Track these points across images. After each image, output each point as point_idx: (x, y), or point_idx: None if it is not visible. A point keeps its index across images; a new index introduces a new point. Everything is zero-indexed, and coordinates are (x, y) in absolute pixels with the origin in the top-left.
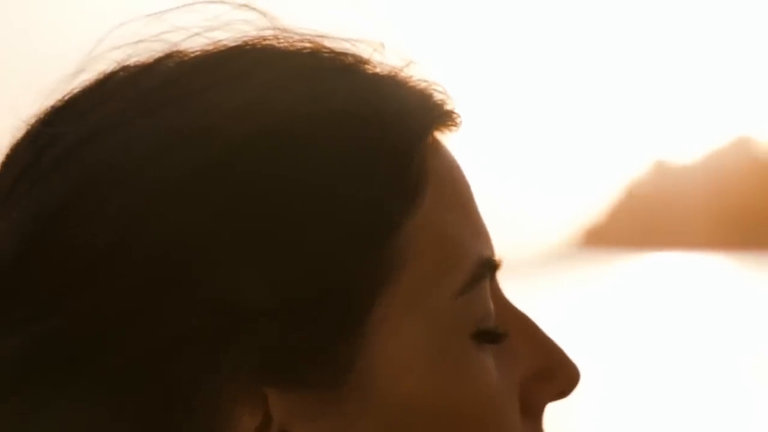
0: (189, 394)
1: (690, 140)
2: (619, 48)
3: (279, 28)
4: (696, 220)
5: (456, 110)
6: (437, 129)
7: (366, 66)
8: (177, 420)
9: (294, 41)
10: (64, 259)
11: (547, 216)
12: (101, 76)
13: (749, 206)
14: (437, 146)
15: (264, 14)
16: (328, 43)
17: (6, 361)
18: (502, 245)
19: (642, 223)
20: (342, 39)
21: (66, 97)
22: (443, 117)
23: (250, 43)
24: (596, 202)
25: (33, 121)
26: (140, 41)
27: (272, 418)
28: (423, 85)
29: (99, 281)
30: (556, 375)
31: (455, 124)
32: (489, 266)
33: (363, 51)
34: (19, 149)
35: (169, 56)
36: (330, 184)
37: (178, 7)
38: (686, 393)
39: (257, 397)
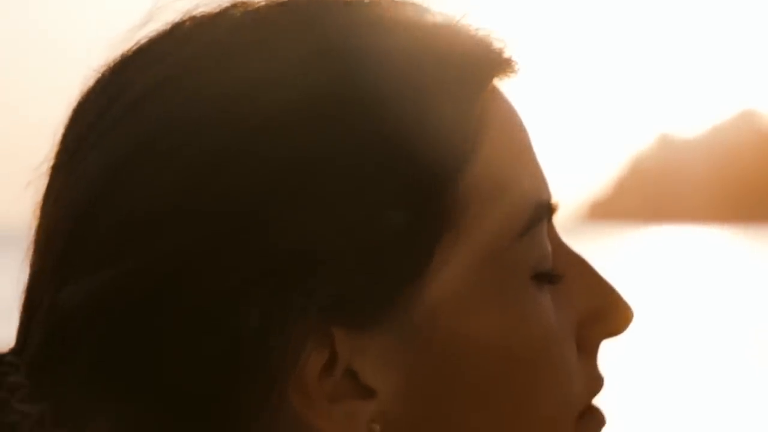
0: (259, 334)
1: (694, 114)
2: (624, 22)
3: None
4: (700, 194)
5: (514, 58)
6: (496, 76)
7: (426, 15)
8: (247, 359)
9: None
10: (135, 206)
11: (551, 189)
12: (168, 26)
13: (753, 179)
14: (496, 93)
15: None
16: None
17: (78, 307)
18: None
19: (646, 197)
20: None
21: (134, 47)
22: (502, 64)
23: None
24: (601, 176)
25: (103, 70)
26: None
27: (338, 357)
28: (481, 33)
29: (170, 228)
30: (610, 315)
31: (514, 71)
32: (547, 209)
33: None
34: (89, 99)
35: (235, 5)
36: (394, 131)
37: None
38: (690, 365)
39: (324, 336)
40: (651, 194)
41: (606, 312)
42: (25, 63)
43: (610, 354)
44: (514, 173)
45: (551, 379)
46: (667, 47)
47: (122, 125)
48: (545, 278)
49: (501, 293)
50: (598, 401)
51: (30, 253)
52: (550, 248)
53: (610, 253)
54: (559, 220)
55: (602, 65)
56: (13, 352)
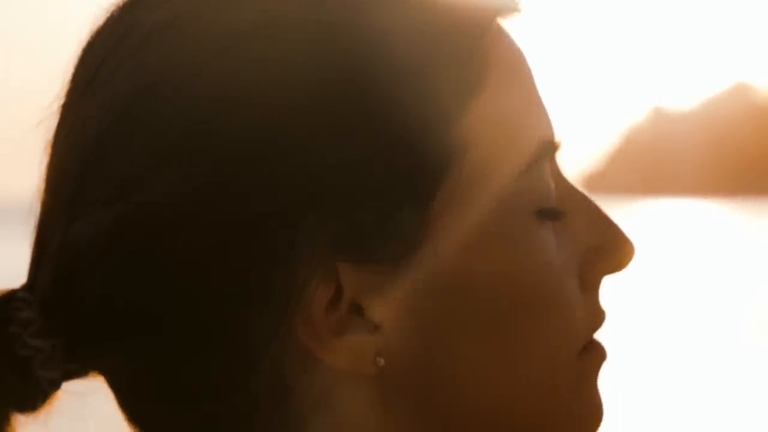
0: (267, 268)
1: (688, 87)
2: None
3: None
4: (694, 167)
5: None
6: (500, 16)
7: None
8: (255, 293)
9: None
10: (145, 142)
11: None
12: None
13: (747, 153)
14: (500, 32)
15: None
16: None
17: (90, 242)
18: None
19: (640, 170)
20: None
21: None
22: (506, 4)
23: None
24: (594, 149)
25: (112, 9)
26: None
27: (344, 292)
28: None
29: (179, 163)
30: (612, 251)
31: (517, 10)
32: (550, 147)
33: None
34: (98, 37)
35: None
36: (398, 69)
37: None
38: (685, 338)
39: (330, 271)
40: (645, 167)
41: (608, 249)
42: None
43: (605, 330)
44: (518, 110)
45: (554, 313)
46: (660, 20)
47: (132, 62)
48: (548, 215)
49: (504, 229)
50: (598, 336)
51: (41, 189)
52: (553, 185)
53: None
54: None
55: (595, 38)
56: (24, 288)
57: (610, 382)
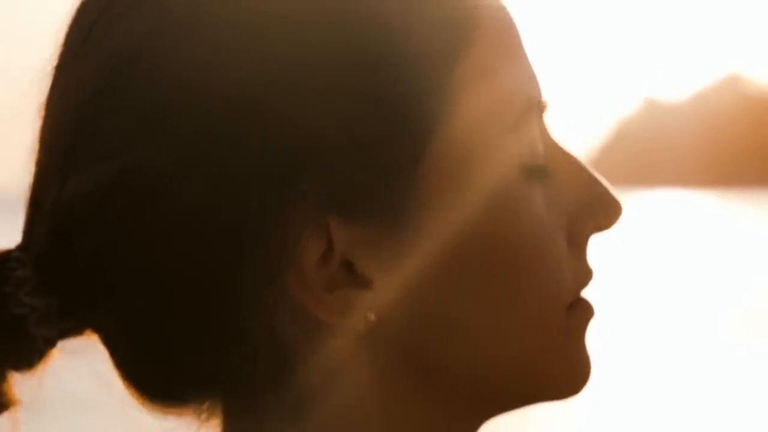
0: (258, 224)
1: (680, 78)
2: None
3: None
4: (686, 158)
5: None
6: None
7: None
8: (247, 249)
9: None
10: (138, 101)
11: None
12: None
13: (740, 144)
14: None
15: None
16: None
17: (83, 201)
18: None
19: (631, 162)
20: None
21: None
22: None
23: None
24: (586, 141)
25: None
26: None
27: (335, 247)
28: None
29: (172, 120)
30: (600, 209)
31: None
32: (538, 106)
33: None
34: None
35: None
36: (388, 28)
37: None
38: (676, 327)
39: (321, 227)
40: (637, 159)
41: (595, 206)
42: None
43: (595, 320)
44: (506, 70)
45: (541, 270)
46: (652, 11)
47: (125, 22)
48: (536, 173)
49: (492, 186)
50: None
51: (35, 149)
52: (540, 145)
53: None
54: None
55: (587, 29)
56: (19, 248)
57: (605, 376)
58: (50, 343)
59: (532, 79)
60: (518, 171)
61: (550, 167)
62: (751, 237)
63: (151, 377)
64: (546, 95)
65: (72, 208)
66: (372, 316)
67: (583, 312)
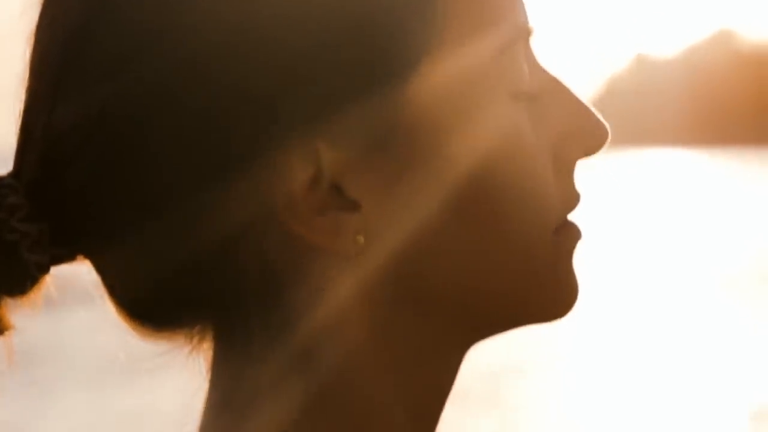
0: (247, 148)
1: (671, 34)
2: None
3: None
4: (677, 116)
5: None
6: None
7: None
8: (236, 172)
9: None
10: (129, 26)
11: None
12: None
13: (731, 101)
14: None
15: None
16: None
17: (74, 126)
18: None
19: (622, 119)
20: None
21: None
22: None
23: None
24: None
25: None
26: None
27: (323, 171)
28: None
29: (161, 45)
30: (586, 134)
31: None
32: (524, 31)
33: None
34: None
35: None
36: None
37: None
38: (666, 285)
39: (310, 151)
40: (627, 116)
41: (582, 131)
42: None
43: (585, 279)
44: None
45: (528, 193)
46: None
47: None
48: (522, 96)
49: (479, 109)
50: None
51: (25, 76)
52: (527, 69)
53: (585, 178)
54: None
55: None
56: (11, 174)
57: (598, 334)
58: (43, 269)
59: (518, 4)
60: (505, 94)
61: (537, 92)
62: (745, 196)
63: (143, 301)
64: (533, 23)
65: (62, 134)
66: (361, 239)
67: (570, 235)
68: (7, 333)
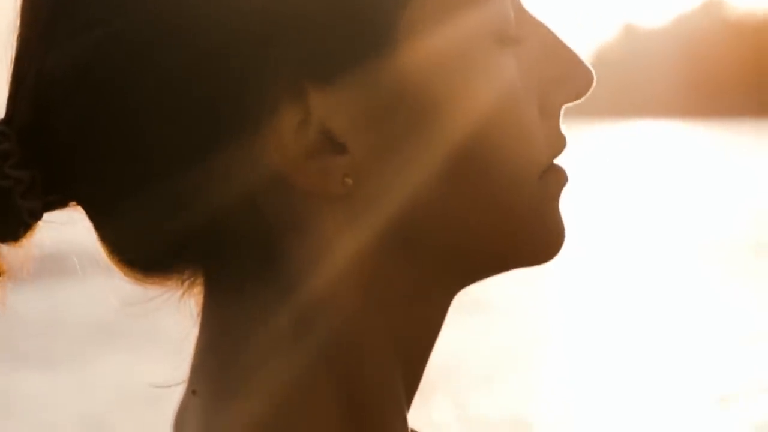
0: (236, 91)
1: (659, 3)
2: None
3: None
4: (666, 86)
5: None
6: None
7: None
8: (224, 115)
9: None
10: None
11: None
12: None
13: (720, 71)
14: None
15: None
16: None
17: (65, 72)
18: None
19: (611, 90)
20: None
21: None
22: None
23: None
24: None
25: None
26: None
27: (312, 114)
28: None
29: None
30: (572, 78)
31: None
32: None
33: None
34: None
35: None
36: None
37: None
38: (654, 256)
39: (299, 94)
40: (616, 87)
41: (567, 76)
42: None
43: (574, 251)
44: None
45: (514, 135)
46: None
47: None
48: (508, 42)
49: (465, 53)
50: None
51: (17, 23)
52: (512, 13)
53: (573, 149)
54: None
55: None
56: (3, 122)
57: (588, 309)
58: (36, 216)
59: None
60: (490, 38)
61: (522, 37)
62: (736, 167)
63: (134, 246)
64: None
65: (54, 80)
66: (349, 181)
67: (556, 178)
68: (1, 278)
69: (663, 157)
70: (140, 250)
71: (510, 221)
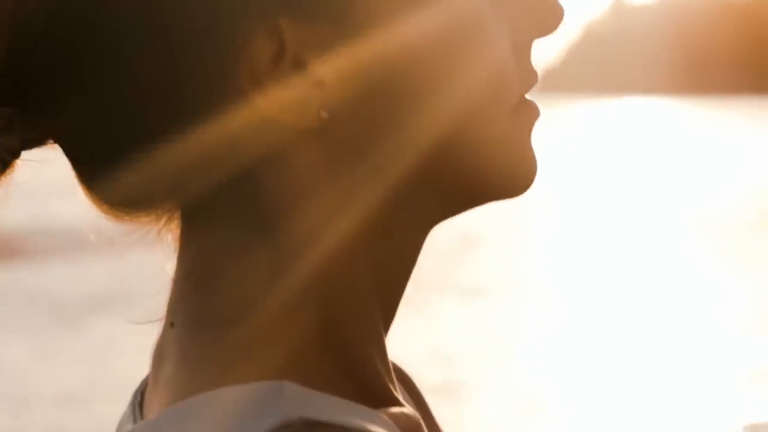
0: (209, 24)
1: None
2: None
3: None
4: (656, 63)
5: None
6: None
7: None
8: (199, 46)
9: None
10: None
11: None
12: None
13: (710, 48)
14: None
15: None
16: None
17: (32, 15)
18: None
19: (600, 67)
20: None
21: None
22: None
23: None
24: (552, 45)
25: None
26: None
27: (286, 47)
28: None
29: None
30: (542, 13)
31: None
32: None
33: None
34: None
35: None
36: None
37: None
38: (640, 234)
39: (273, 26)
40: (605, 63)
41: (538, 11)
42: None
43: (560, 225)
44: None
45: (487, 68)
46: None
47: None
48: None
49: None
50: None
51: None
52: None
53: (562, 125)
54: None
55: None
56: None
57: (577, 282)
58: (14, 153)
59: None
60: None
61: None
62: (721, 144)
63: (111, 182)
64: None
65: (29, 17)
66: (324, 114)
67: (528, 111)
68: None
69: (652, 133)
70: (116, 186)
71: (482, 154)
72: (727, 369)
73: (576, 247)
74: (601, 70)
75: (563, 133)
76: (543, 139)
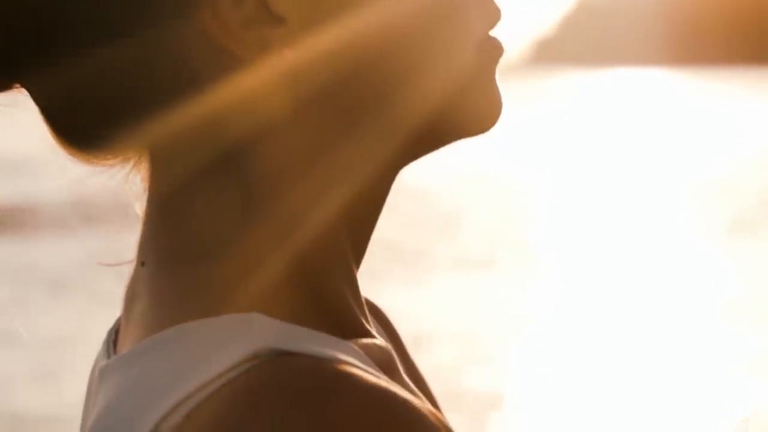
0: None
1: None
2: None
3: None
4: (649, 34)
5: None
6: None
7: None
8: None
9: None
10: None
11: (494, 30)
12: None
13: (704, 19)
14: None
15: None
16: None
17: None
18: None
19: (593, 38)
20: None
21: None
22: None
23: None
24: (546, 15)
25: None
26: None
27: None
28: None
29: None
30: None
31: None
32: None
33: None
34: None
35: None
36: None
37: None
38: (642, 208)
39: None
40: (598, 34)
41: None
42: None
43: (554, 198)
44: None
45: (448, 6)
46: None
47: None
48: None
49: None
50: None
51: None
52: None
53: (556, 97)
54: (502, 63)
55: None
56: None
57: (569, 257)
58: None
59: None
60: None
61: None
62: (714, 115)
63: (78, 124)
64: None
65: None
66: (289, 54)
67: (492, 49)
68: None
69: (647, 105)
70: (84, 126)
71: (447, 92)
72: (722, 354)
73: (570, 220)
74: (595, 40)
75: (557, 104)
76: (537, 110)
